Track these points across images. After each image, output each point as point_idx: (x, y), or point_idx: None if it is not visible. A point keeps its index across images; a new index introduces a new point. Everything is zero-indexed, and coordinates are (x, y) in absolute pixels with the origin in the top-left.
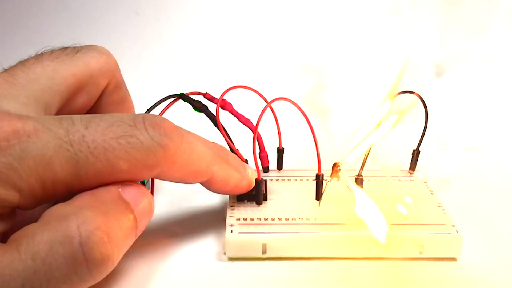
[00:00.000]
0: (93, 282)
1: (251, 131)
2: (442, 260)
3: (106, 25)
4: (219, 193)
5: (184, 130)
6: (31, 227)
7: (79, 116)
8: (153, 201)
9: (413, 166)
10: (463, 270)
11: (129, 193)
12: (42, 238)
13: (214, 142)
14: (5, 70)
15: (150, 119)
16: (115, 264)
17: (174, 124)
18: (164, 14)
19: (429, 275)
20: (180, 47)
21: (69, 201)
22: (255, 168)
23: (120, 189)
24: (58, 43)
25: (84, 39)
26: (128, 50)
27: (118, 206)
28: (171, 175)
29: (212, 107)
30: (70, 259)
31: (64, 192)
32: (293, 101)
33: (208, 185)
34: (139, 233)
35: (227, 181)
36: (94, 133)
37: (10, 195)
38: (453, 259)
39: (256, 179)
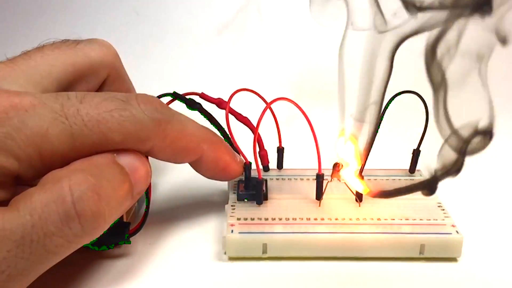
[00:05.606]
0: (89, 238)
1: (249, 129)
2: (442, 261)
3: (106, 25)
4: (208, 176)
5: (176, 110)
6: (29, 190)
7: (74, 92)
8: (151, 170)
9: (413, 166)
10: (463, 270)
11: (125, 159)
12: (38, 198)
13: (206, 127)
14: (8, 59)
15: (143, 96)
16: (108, 221)
17: (164, 103)
18: (164, 14)
19: (429, 275)
20: (179, 47)
21: (64, 167)
22: (254, 168)
23: (115, 155)
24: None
25: (85, 38)
26: (127, 50)
27: (111, 169)
28: (162, 151)
29: (207, 107)
30: (63, 216)
31: (62, 164)
32: (293, 101)
33: (198, 166)
34: (136, 197)
35: (216, 162)
36: (88, 107)
37: (9, 163)
38: (453, 259)
39: (256, 178)
